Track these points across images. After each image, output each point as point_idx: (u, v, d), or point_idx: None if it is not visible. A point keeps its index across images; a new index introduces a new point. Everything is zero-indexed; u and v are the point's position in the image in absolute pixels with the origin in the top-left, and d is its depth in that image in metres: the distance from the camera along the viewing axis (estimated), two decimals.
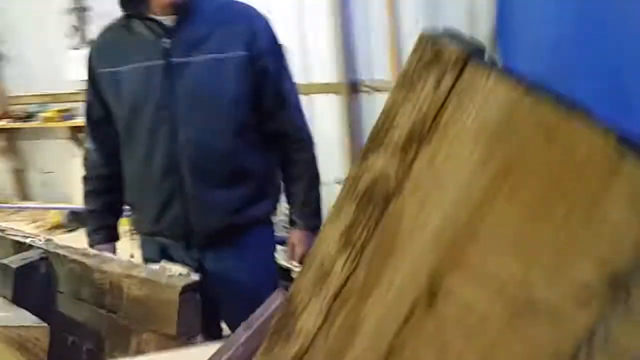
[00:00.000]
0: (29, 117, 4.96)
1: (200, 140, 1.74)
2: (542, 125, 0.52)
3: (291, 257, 2.01)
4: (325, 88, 4.28)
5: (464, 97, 0.54)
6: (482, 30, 3.56)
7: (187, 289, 1.22)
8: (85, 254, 1.52)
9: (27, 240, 1.75)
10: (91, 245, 2.02)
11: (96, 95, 1.85)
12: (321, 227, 0.61)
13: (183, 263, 1.85)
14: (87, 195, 2.03)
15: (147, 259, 1.96)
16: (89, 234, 2.04)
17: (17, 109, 5.10)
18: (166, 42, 1.70)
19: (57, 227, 4.52)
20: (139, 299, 1.30)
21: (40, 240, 1.74)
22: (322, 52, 4.19)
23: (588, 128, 0.50)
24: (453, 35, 0.56)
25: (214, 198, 1.80)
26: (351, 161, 4.22)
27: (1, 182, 5.40)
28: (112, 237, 2.06)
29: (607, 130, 0.50)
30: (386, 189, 0.58)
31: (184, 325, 1.21)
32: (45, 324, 1.33)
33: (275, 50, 1.86)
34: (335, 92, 4.24)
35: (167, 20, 1.71)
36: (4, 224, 4.28)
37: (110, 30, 1.88)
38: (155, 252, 1.93)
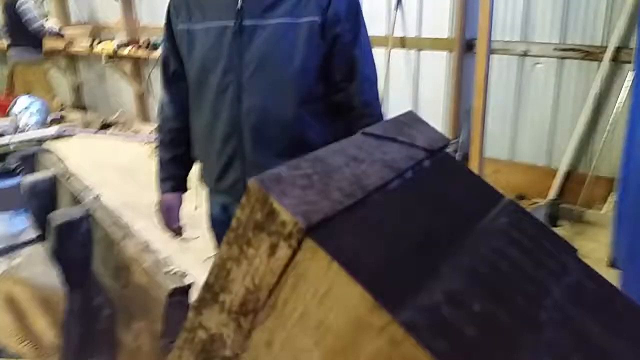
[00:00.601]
0: (153, 46, 5.19)
1: (263, 107, 1.68)
2: (398, 351, 0.34)
3: None
4: (436, 44, 3.93)
5: (302, 281, 0.38)
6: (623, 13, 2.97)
7: (176, 292, 1.18)
8: (115, 223, 1.54)
9: (79, 195, 1.83)
10: (161, 193, 2.10)
11: (172, 50, 1.85)
12: None
13: None
14: (159, 145, 2.09)
15: (211, 214, 2.01)
16: (159, 183, 2.11)
17: (145, 38, 5.36)
18: (240, 2, 1.62)
19: None
20: (140, 286, 1.29)
21: (90, 196, 1.82)
22: (440, 5, 3.80)
23: None
24: (308, 177, 0.39)
25: (273, 166, 1.74)
26: (454, 124, 3.93)
27: (127, 104, 5.86)
28: (179, 187, 2.11)
29: None
30: (222, 354, 0.45)
31: (169, 328, 1.18)
32: (63, 289, 1.39)
33: (352, 17, 1.68)
34: (448, 49, 3.86)
35: None
36: (120, 143, 4.65)
37: None
38: (218, 209, 1.97)
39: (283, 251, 0.37)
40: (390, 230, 0.41)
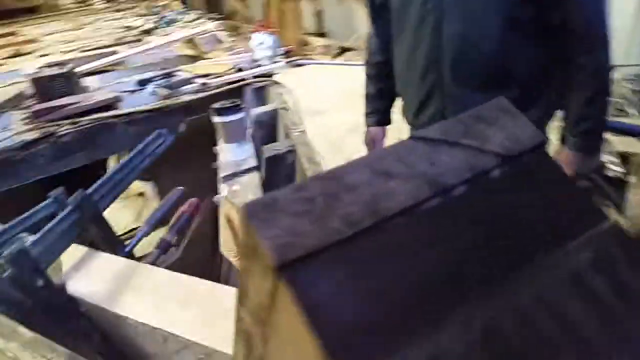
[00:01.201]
0: None
1: (464, 37, 1.62)
2: None
3: None
4: None
5: (283, 313, 0.36)
6: None
7: None
8: (310, 160, 1.67)
9: (290, 128, 2.01)
10: (367, 126, 2.23)
11: None
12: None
13: None
14: (366, 79, 2.17)
15: None
16: (365, 116, 2.22)
17: None
18: None
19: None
20: None
21: (298, 130, 1.98)
22: None
23: None
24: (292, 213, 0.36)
25: (473, 101, 1.66)
26: None
27: (364, 28, 6.05)
28: (383, 121, 2.20)
29: None
30: (255, 352, 0.47)
31: None
32: None
33: None
34: None
35: None
36: (352, 69, 4.87)
37: None
38: None
39: (269, 279, 0.36)
40: (395, 268, 0.35)
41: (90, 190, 1.41)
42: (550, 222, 0.40)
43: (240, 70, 2.74)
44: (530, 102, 1.64)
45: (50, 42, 4.89)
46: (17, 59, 4.45)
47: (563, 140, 1.69)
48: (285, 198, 0.37)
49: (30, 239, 1.33)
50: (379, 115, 2.20)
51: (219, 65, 2.92)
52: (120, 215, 4.21)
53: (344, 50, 5.75)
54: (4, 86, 3.49)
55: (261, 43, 2.86)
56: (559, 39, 1.55)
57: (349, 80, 4.00)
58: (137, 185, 4.53)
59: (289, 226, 0.35)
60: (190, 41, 3.47)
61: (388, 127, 2.23)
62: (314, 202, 0.37)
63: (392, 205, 0.38)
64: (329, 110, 3.51)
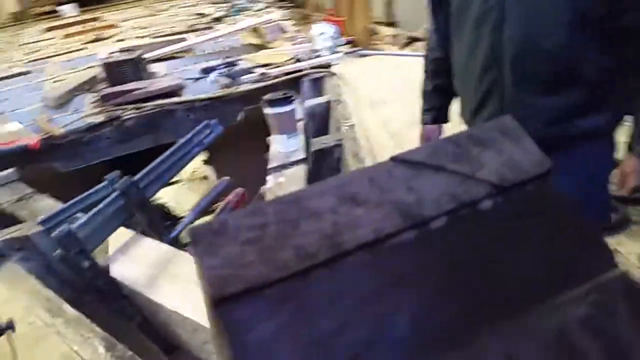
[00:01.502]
0: None
1: (527, 36, 1.55)
2: None
3: (620, 185, 1.65)
4: None
5: (220, 343, 0.34)
6: None
7: None
8: (355, 156, 1.62)
9: (340, 122, 1.97)
10: (423, 124, 2.18)
11: None
12: None
13: None
14: (424, 75, 2.12)
15: None
16: (421, 113, 2.17)
17: None
18: None
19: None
20: None
21: (346, 125, 1.94)
22: None
23: None
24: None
25: (535, 103, 1.61)
26: None
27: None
28: (440, 119, 2.15)
29: None
30: None
31: None
32: None
33: None
34: None
35: None
36: (416, 60, 4.75)
37: None
38: None
39: (211, 311, 0.33)
40: (347, 312, 0.32)
41: (136, 177, 1.45)
42: (544, 267, 0.34)
43: (299, 60, 2.72)
44: (601, 105, 1.55)
45: (127, 28, 5.11)
46: (97, 43, 4.69)
47: (630, 148, 1.59)
48: (236, 223, 0.34)
49: (79, 220, 1.38)
50: (435, 112, 2.15)
51: (279, 55, 2.92)
52: (184, 198, 4.35)
53: (412, 40, 5.60)
54: (82, 69, 3.68)
55: (322, 33, 2.83)
56: (630, 42, 1.46)
57: (412, 72, 3.88)
58: (201, 169, 4.67)
59: (234, 256, 0.32)
60: (256, 30, 3.49)
61: (445, 125, 2.18)
62: (266, 230, 0.34)
63: (355, 237, 0.34)
64: (390, 102, 3.42)
